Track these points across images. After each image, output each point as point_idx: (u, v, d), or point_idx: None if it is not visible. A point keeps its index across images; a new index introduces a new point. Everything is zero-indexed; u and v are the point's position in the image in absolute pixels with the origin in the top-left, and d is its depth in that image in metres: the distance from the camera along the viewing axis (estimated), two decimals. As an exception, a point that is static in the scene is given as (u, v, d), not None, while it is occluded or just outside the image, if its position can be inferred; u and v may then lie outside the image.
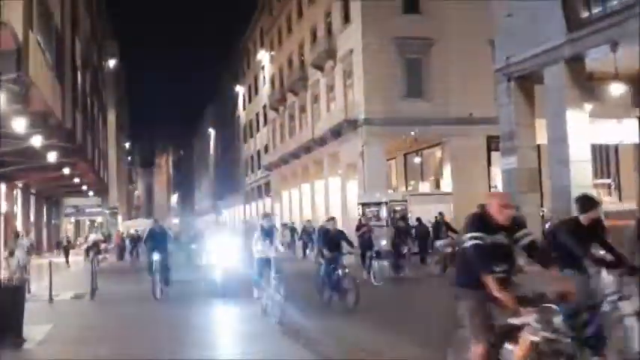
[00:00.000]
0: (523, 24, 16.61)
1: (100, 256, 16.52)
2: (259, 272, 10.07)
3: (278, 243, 10.31)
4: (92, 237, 28.65)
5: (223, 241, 14.30)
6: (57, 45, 20.87)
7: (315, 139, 33.32)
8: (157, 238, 13.55)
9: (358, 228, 16.78)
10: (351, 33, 28.57)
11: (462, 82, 26.43)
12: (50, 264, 13.45)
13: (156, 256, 12.93)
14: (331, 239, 11.12)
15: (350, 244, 11.52)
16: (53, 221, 43.06)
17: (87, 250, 26.90)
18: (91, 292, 13.29)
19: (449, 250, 14.88)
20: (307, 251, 23.68)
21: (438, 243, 16.10)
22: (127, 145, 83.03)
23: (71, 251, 28.27)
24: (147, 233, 14.55)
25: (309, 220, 27.61)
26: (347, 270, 10.54)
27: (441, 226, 16.64)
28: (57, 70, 20.51)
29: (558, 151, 15.75)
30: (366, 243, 14.91)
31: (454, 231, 15.67)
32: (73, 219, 48.56)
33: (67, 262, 25.48)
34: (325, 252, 10.87)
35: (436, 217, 17.36)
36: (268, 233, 10.15)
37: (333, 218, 12.10)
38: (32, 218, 34.82)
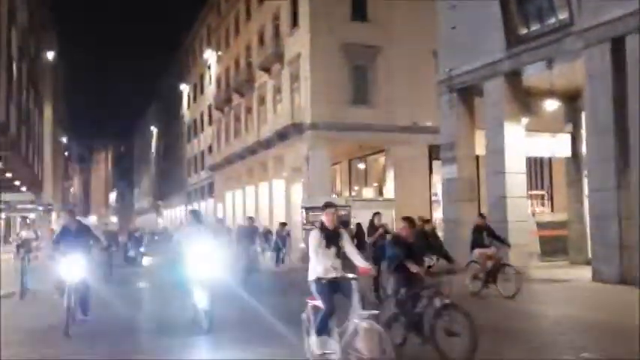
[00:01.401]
0: (466, 37, 17.12)
1: (32, 254, 15.82)
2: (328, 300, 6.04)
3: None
4: (24, 234, 27.47)
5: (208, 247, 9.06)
6: (-8, 33, 19.98)
7: (261, 141, 33.20)
8: (73, 239, 9.20)
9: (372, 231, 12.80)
10: (299, 37, 28.66)
11: (407, 91, 26.96)
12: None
13: (69, 269, 8.81)
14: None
15: None
16: (-19, 217, 41.03)
17: (18, 247, 25.74)
18: (21, 292, 12.74)
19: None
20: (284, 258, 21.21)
21: (476, 252, 12.18)
22: (64, 140, 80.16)
23: (1, 249, 27.02)
24: (57, 232, 10.39)
25: (283, 224, 23.01)
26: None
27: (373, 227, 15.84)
28: (-9, 60, 19.63)
29: (495, 162, 16.30)
30: (380, 254, 10.28)
31: (388, 232, 15.37)
32: (3, 215, 46.44)
33: None
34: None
35: (371, 218, 16.63)
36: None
37: (284, 224, 12.19)
38: (-42, 213, 33.06)
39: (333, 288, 6.00)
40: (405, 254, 6.76)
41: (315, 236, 6.12)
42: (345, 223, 21.93)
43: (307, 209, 24.55)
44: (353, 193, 30.44)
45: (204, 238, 8.98)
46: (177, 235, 10.48)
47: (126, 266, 22.12)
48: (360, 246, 18.12)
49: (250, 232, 16.43)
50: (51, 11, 51.92)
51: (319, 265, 6.04)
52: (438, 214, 24.93)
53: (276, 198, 32.77)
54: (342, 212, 23.03)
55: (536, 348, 7.26)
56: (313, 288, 6.07)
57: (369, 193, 29.68)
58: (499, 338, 7.60)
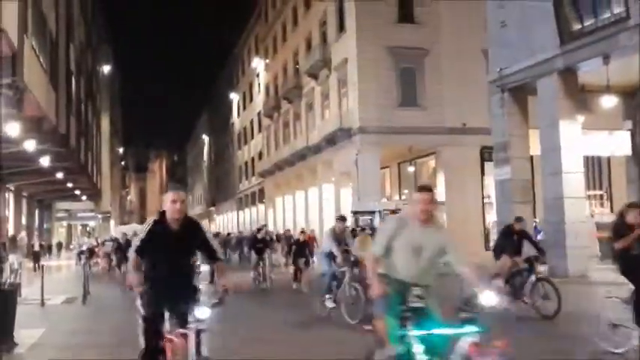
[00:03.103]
0: (517, 35, 16.77)
1: (93, 261, 16.49)
2: None
3: None
4: (86, 241, 28.49)
5: None
6: (51, 50, 20.90)
7: (310, 146, 33.38)
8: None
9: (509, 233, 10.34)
10: (346, 42, 28.72)
11: (456, 92, 26.59)
12: (42, 268, 13.40)
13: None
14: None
15: None
16: (45, 225, 42.87)
17: (79, 255, 26.78)
18: (83, 297, 13.24)
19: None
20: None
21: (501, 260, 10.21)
22: (121, 150, 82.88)
23: (63, 255, 28.15)
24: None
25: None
26: None
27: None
28: (51, 76, 20.52)
29: (551, 162, 15.87)
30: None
31: None
32: (65, 223, 48.38)
33: (36, 267, 22.82)
34: None
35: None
36: None
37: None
38: (24, 221, 34.66)
39: None
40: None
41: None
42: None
43: (357, 213, 24.54)
44: (403, 197, 30.19)
45: None
46: None
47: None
48: None
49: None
50: (106, 26, 53.87)
51: None
52: (490, 217, 24.47)
53: (325, 203, 32.86)
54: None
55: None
56: None
57: (419, 196, 29.32)
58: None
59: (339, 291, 9.98)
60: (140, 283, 4.55)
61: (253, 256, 15.82)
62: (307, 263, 14.86)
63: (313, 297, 11.06)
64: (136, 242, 4.73)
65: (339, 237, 10.43)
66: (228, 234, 38.27)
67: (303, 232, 17.44)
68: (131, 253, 4.67)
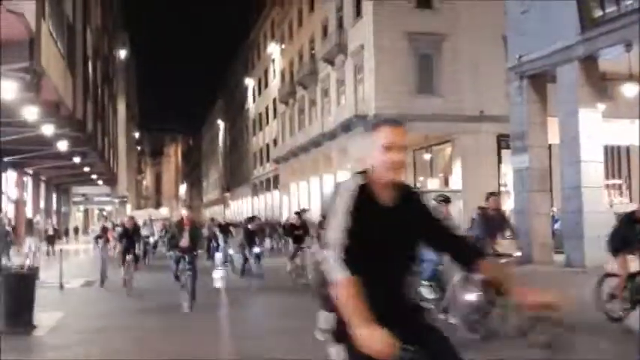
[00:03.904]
0: (536, 22, 16.49)
1: (110, 245, 16.67)
2: None
3: None
4: (102, 224, 28.73)
5: None
6: (68, 35, 20.95)
7: (325, 133, 33.31)
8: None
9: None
10: (363, 28, 28.48)
11: (474, 79, 26.31)
12: (61, 251, 13.57)
13: None
14: None
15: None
16: (62, 209, 43.37)
17: (96, 238, 27.04)
18: (101, 281, 13.40)
19: None
20: None
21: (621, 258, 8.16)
22: (137, 134, 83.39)
23: (81, 238, 28.44)
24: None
25: None
26: None
27: None
28: (68, 60, 20.59)
29: (570, 150, 15.66)
30: None
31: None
32: (82, 207, 48.91)
33: (52, 252, 23.04)
34: None
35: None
36: None
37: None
38: (42, 205, 35.08)
39: None
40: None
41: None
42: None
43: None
44: (418, 184, 30.07)
45: None
46: None
47: None
48: None
49: None
50: (122, 11, 53.94)
51: None
52: (507, 206, 24.29)
53: (340, 189, 32.79)
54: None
55: None
56: None
57: (434, 183, 29.23)
58: None
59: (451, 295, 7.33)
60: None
61: (290, 245, 13.70)
62: None
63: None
64: (334, 238, 2.34)
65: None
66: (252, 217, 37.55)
67: None
68: (337, 270, 2.30)
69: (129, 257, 12.22)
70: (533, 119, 17.25)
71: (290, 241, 13.71)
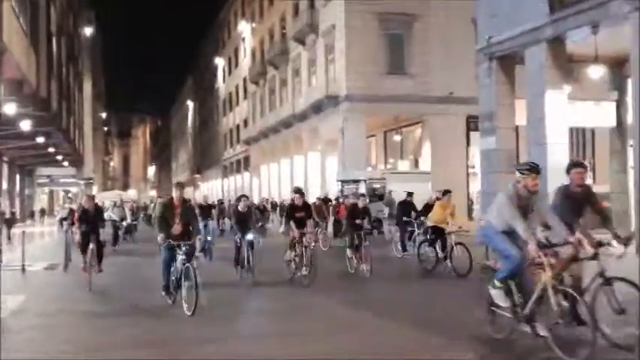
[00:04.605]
0: (506, 4, 16.55)
1: (74, 227, 16.26)
2: None
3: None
4: (66, 206, 28.14)
5: None
6: (32, 11, 20.30)
7: (296, 114, 33.13)
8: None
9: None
10: (334, 7, 28.24)
11: (444, 60, 26.39)
12: (23, 234, 13.25)
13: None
14: None
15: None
16: (26, 191, 42.39)
17: (61, 221, 26.53)
18: (65, 264, 13.13)
19: None
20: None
21: None
22: (104, 115, 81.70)
23: (46, 221, 27.83)
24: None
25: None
26: None
27: (408, 206, 14.79)
28: (31, 37, 19.98)
29: (536, 132, 15.86)
30: None
31: (417, 212, 14.24)
32: (46, 189, 47.86)
33: (9, 236, 20.60)
34: None
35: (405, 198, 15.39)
36: None
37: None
38: (4, 187, 34.23)
39: None
40: None
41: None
42: (380, 196, 21.92)
43: (343, 182, 24.53)
44: (388, 166, 30.21)
45: None
46: None
47: None
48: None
49: None
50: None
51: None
52: (475, 187, 24.59)
53: (311, 171, 32.80)
54: (377, 185, 23.04)
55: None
56: None
57: (404, 165, 29.41)
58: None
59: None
60: None
61: (293, 228, 10.88)
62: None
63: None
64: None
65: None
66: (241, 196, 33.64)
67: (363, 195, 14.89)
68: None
69: (91, 245, 10.39)
70: (502, 101, 17.38)
71: (292, 224, 10.70)
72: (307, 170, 33.24)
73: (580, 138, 20.49)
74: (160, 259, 8.55)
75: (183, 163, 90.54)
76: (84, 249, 10.51)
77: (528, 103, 16.29)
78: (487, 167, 17.87)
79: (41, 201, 46.91)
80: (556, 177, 15.50)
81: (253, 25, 45.12)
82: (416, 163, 28.59)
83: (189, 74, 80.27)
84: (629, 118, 15.45)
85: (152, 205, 30.61)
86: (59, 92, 28.94)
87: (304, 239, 10.59)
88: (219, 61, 58.93)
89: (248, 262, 10.52)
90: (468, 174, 26.56)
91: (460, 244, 11.24)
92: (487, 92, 17.70)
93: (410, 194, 15.12)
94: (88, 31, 52.42)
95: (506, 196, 5.79)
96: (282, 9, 37.21)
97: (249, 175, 48.37)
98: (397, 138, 30.55)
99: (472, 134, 25.33)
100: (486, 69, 17.53)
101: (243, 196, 11.81)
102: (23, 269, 12.38)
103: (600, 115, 17.35)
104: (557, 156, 15.60)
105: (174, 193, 8.54)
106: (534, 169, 5.80)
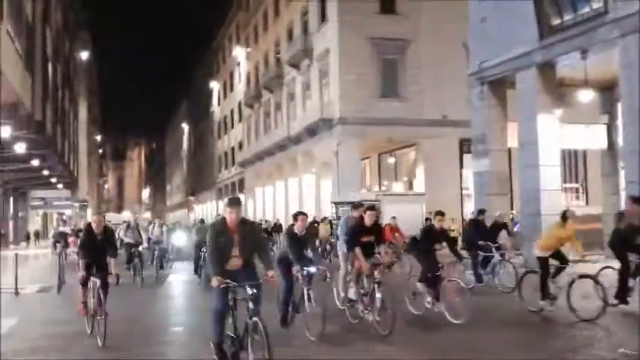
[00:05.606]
0: (497, 29, 16.85)
1: (69, 250, 16.22)
2: None
3: None
4: (60, 229, 28.01)
5: None
6: (27, 35, 20.46)
7: (290, 137, 33.30)
8: None
9: None
10: (328, 32, 28.62)
11: (437, 84, 26.71)
12: (16, 256, 13.18)
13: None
14: None
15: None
16: (20, 213, 42.19)
17: (55, 243, 26.42)
18: (58, 286, 13.05)
19: None
20: None
21: None
22: (99, 137, 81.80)
23: (39, 243, 27.66)
24: None
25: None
26: None
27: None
28: (27, 61, 20.10)
29: (528, 154, 16.03)
30: None
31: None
32: (40, 211, 47.66)
33: None
34: None
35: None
36: None
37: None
38: (-2, 210, 34.08)
39: None
40: None
41: None
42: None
43: (337, 204, 24.57)
44: (383, 188, 30.31)
45: None
46: None
47: None
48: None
49: None
50: (84, 12, 52.92)
51: None
52: (468, 209, 24.68)
53: (305, 193, 32.85)
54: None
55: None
56: None
57: (398, 187, 29.53)
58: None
59: None
60: None
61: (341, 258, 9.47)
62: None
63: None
64: None
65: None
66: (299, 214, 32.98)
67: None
68: None
69: (94, 279, 7.71)
70: (494, 124, 17.61)
71: (358, 252, 8.13)
72: (302, 192, 33.30)
73: (572, 160, 20.72)
74: (210, 306, 5.86)
75: (178, 185, 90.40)
76: (84, 282, 7.91)
77: (520, 126, 16.50)
78: (480, 189, 18.01)
79: (35, 223, 46.66)
80: (549, 198, 15.70)
81: (248, 49, 45.56)
82: (410, 185, 28.72)
83: (184, 97, 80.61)
84: (620, 141, 15.65)
85: (194, 227, 22.62)
86: (54, 115, 29.01)
87: (375, 272, 7.88)
88: (215, 85, 59.33)
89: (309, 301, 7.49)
90: (462, 195, 26.67)
91: (588, 276, 8.62)
92: (479, 115, 17.92)
93: (481, 211, 12.49)
94: (84, 54, 52.73)
95: None
96: (277, 34, 37.64)
97: (244, 196, 48.35)
98: (391, 160, 30.72)
99: (465, 156, 25.52)
100: (478, 93, 17.78)
101: (301, 213, 8.22)
102: (16, 292, 12.30)
103: (591, 137, 17.56)
104: (549, 178, 15.77)
105: (229, 214, 5.70)
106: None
